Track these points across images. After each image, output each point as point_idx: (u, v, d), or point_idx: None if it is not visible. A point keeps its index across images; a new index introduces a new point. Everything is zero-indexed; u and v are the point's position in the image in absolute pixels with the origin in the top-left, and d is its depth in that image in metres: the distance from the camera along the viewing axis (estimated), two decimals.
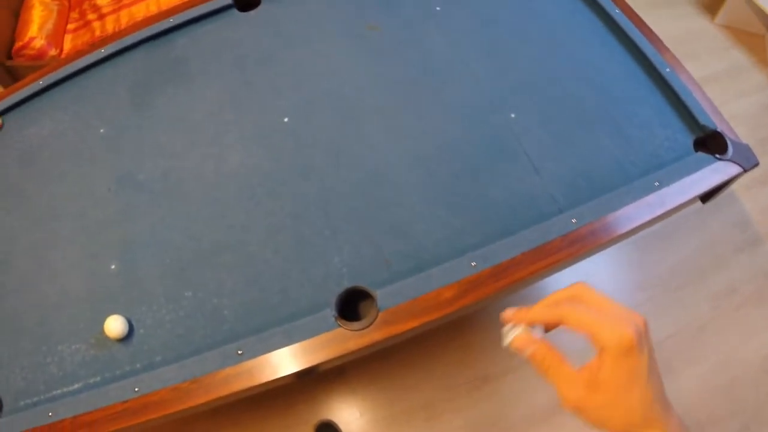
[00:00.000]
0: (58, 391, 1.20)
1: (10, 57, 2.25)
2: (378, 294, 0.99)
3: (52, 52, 2.25)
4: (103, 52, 1.63)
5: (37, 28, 2.24)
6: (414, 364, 1.79)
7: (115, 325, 1.16)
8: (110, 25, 2.30)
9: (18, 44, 2.21)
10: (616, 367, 0.41)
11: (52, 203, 1.45)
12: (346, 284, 1.05)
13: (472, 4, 1.51)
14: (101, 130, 1.51)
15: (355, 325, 0.97)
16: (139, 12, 2.32)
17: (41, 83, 1.67)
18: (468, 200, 1.13)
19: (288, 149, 1.34)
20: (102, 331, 1.18)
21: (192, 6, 1.63)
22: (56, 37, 2.29)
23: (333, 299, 1.02)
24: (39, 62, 2.22)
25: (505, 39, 1.41)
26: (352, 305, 1.03)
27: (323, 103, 1.39)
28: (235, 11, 1.64)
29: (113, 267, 1.29)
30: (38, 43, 2.21)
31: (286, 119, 1.38)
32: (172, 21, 1.61)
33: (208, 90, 1.49)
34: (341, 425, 1.75)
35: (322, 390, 1.81)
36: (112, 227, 1.35)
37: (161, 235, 1.30)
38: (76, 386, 1.19)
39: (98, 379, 1.18)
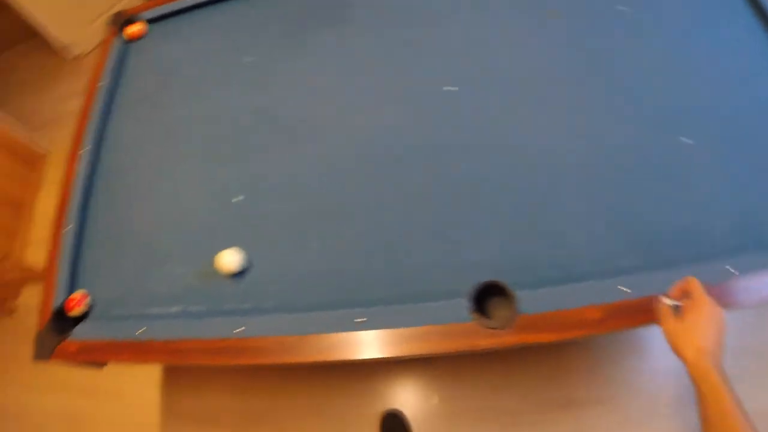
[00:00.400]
0: (155, 310, 1.18)
1: None
2: (521, 296, 0.89)
3: None
4: None
5: None
6: (505, 367, 1.70)
7: (230, 259, 1.12)
8: None
9: None
10: (699, 310, 0.74)
11: (184, 122, 1.44)
12: (487, 277, 0.93)
13: (662, 13, 1.30)
14: (247, 59, 1.48)
15: (491, 323, 0.88)
16: None
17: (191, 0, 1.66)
18: (628, 219, 1.00)
19: (446, 122, 1.23)
20: (215, 261, 1.14)
21: None
22: None
23: (469, 290, 0.92)
24: None
25: (691, 56, 1.20)
26: (483, 299, 0.93)
27: (489, 80, 1.26)
28: None
29: (239, 199, 1.26)
30: None
31: (446, 88, 1.27)
32: None
33: (367, 41, 1.41)
34: (415, 405, 1.69)
35: (405, 366, 1.75)
36: (243, 158, 1.32)
37: (296, 178, 1.25)
38: (174, 310, 1.17)
39: (200, 308, 1.15)
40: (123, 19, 1.69)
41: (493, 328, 0.88)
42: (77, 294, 1.21)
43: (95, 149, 1.45)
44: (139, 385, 1.97)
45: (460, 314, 0.92)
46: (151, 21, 1.70)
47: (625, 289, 0.87)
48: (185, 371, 1.94)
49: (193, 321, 1.11)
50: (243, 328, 1.05)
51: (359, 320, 0.98)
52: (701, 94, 1.13)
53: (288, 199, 1.23)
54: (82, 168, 1.41)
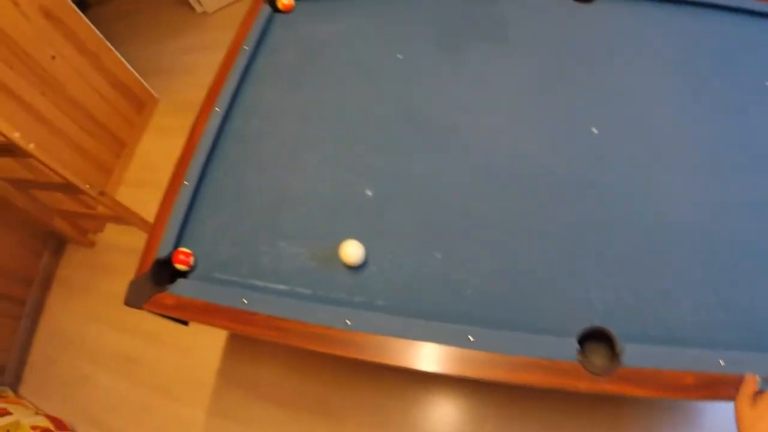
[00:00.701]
0: (261, 283, 1.16)
1: None
2: (628, 348, 0.91)
3: None
4: None
5: None
6: (560, 406, 1.63)
7: (355, 252, 1.10)
8: None
9: None
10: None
11: (325, 103, 1.43)
12: (597, 322, 0.96)
13: None
14: (398, 55, 1.45)
15: (597, 368, 0.90)
16: None
17: None
18: (738, 294, 1.00)
19: (588, 162, 1.21)
20: (332, 248, 1.12)
21: None
22: None
23: (578, 331, 0.95)
24: None
25: None
26: (588, 341, 0.95)
27: (638, 131, 1.24)
28: None
29: (368, 193, 1.23)
30: None
31: (595, 130, 1.25)
32: None
33: (523, 65, 1.38)
34: (467, 425, 1.66)
35: (465, 384, 1.71)
36: (381, 154, 1.30)
37: (430, 185, 1.22)
38: (282, 287, 1.15)
39: (309, 292, 1.13)
40: None
41: (596, 374, 0.90)
42: (185, 249, 1.20)
43: (228, 109, 1.44)
44: (202, 345, 1.98)
45: (566, 352, 0.93)
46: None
47: (722, 363, 0.88)
48: (248, 341, 1.93)
49: (302, 303, 1.09)
50: (348, 321, 1.03)
51: (471, 338, 0.96)
52: None
53: (419, 204, 1.20)
54: (212, 125, 1.40)
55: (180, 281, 1.18)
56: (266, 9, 1.67)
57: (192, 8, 3.26)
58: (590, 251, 1.08)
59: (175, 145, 2.55)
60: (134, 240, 2.41)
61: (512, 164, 1.22)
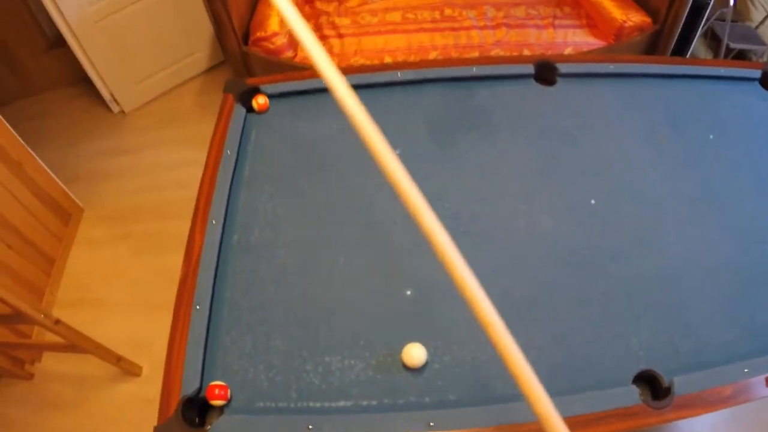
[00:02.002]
0: (319, 404, 1.10)
1: (246, 44, 2.31)
2: (675, 381, 1.07)
3: (289, 53, 2.31)
4: (400, 76, 1.65)
5: (278, 23, 2.30)
6: None
7: (420, 353, 1.09)
8: (350, 47, 2.37)
9: (259, 34, 2.27)
10: None
11: (330, 206, 1.41)
12: (642, 366, 1.12)
13: (740, 140, 1.58)
14: (397, 151, 1.48)
15: (659, 404, 1.05)
16: (378, 44, 2.39)
17: (321, 83, 1.66)
18: (739, 317, 1.22)
19: (596, 230, 1.35)
20: (386, 354, 1.11)
21: (493, 63, 1.67)
22: (293, 39, 2.35)
23: (631, 376, 1.11)
24: (274, 57, 2.27)
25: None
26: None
27: (625, 195, 1.42)
28: (533, 82, 1.66)
29: (408, 293, 1.23)
30: (280, 40, 2.27)
31: (593, 201, 1.39)
32: (475, 71, 1.63)
33: (514, 149, 1.50)
34: None
35: None
36: (408, 251, 1.30)
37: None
38: (344, 404, 1.09)
39: (375, 402, 1.08)
40: (245, 88, 1.67)
41: (660, 408, 1.05)
42: (220, 383, 1.11)
43: (224, 220, 1.38)
44: None
45: (632, 398, 1.06)
46: (271, 96, 1.69)
47: (746, 370, 1.09)
48: None
49: (372, 415, 1.05)
50: (432, 423, 1.01)
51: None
52: None
53: (455, 295, 1.20)
54: (212, 240, 1.33)
55: (223, 419, 1.07)
56: (240, 110, 1.64)
57: (107, 108, 3.09)
58: (620, 306, 1.22)
59: (106, 257, 2.38)
60: (79, 367, 2.15)
61: (533, 243, 1.32)
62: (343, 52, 2.35)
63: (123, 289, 2.42)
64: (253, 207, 1.43)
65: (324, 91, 1.64)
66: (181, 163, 2.83)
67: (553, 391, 0.99)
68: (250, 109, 1.67)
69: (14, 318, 1.67)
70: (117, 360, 2.05)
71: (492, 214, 1.37)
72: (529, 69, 1.66)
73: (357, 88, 1.58)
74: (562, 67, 1.66)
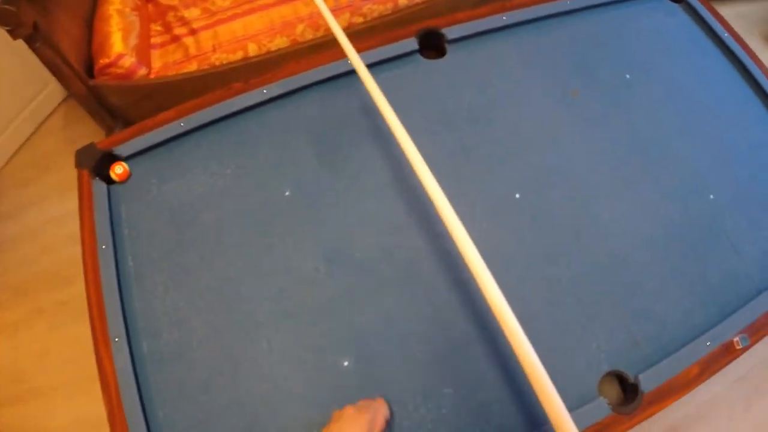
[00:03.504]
0: None
1: (91, 75, 1.95)
2: (641, 378, 1.03)
3: (142, 71, 1.97)
4: (266, 93, 1.41)
5: (121, 42, 1.95)
6: None
7: None
8: (207, 43, 2.04)
9: (103, 61, 1.92)
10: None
11: (235, 281, 1.23)
12: (606, 368, 1.07)
13: (657, 72, 1.46)
14: (286, 193, 1.29)
15: (629, 408, 1.01)
16: (237, 31, 2.07)
17: (182, 125, 1.42)
18: (692, 282, 1.16)
19: (526, 229, 1.22)
20: None
21: (370, 48, 1.43)
22: (143, 53, 2.01)
23: (596, 383, 1.06)
24: (127, 82, 1.94)
25: (695, 111, 1.39)
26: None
27: (549, 177, 1.27)
28: (420, 59, 1.45)
29: (346, 363, 1.10)
30: (127, 61, 1.93)
31: (517, 195, 1.25)
32: (350, 64, 1.40)
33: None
34: None
35: None
36: (333, 315, 1.15)
37: (400, 324, 1.13)
38: None
39: None
40: (98, 156, 1.41)
41: (629, 413, 1.01)
42: None
43: (126, 335, 1.19)
44: None
45: (602, 411, 1.01)
46: (128, 159, 1.44)
47: (708, 343, 1.05)
48: None
49: None
50: None
51: None
52: (716, 145, 1.34)
53: (402, 349, 1.11)
54: (122, 363, 1.15)
55: None
56: (100, 186, 1.39)
57: None
58: (571, 313, 1.13)
59: (27, 339, 2.15)
60: None
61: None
62: (201, 52, 2.03)
63: (55, 370, 2.25)
64: (150, 307, 1.24)
65: (186, 135, 1.42)
66: (69, 214, 2.53)
67: (521, 426, 1.01)
68: (110, 180, 1.41)
69: None
70: None
71: (410, 244, 1.21)
72: (413, 44, 1.44)
73: (218, 120, 1.38)
74: (450, 32, 1.44)
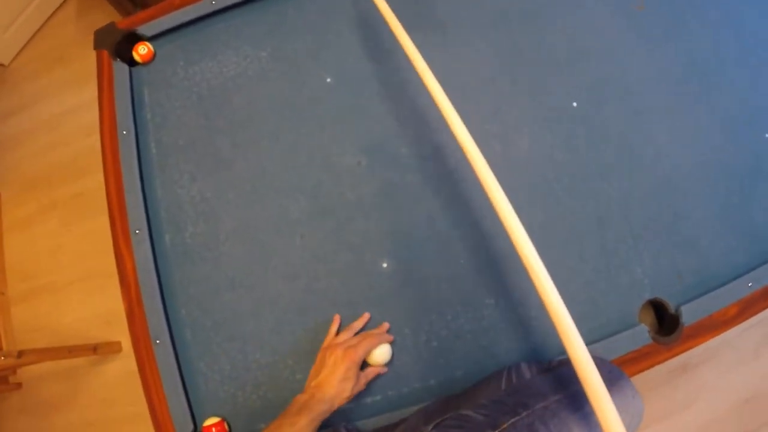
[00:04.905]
0: None
1: None
2: (683, 310, 0.97)
3: None
4: None
5: None
6: None
7: (383, 350, 0.97)
8: None
9: None
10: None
11: (268, 174, 1.15)
12: (647, 296, 1.00)
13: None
14: (327, 80, 1.18)
15: (669, 339, 0.97)
16: None
17: (213, 3, 1.29)
18: (737, 220, 1.07)
19: (580, 141, 1.11)
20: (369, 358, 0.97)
21: None
22: None
23: (637, 309, 1.01)
24: None
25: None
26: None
27: (605, 90, 1.15)
28: None
29: (384, 265, 1.04)
30: None
31: (574, 104, 1.13)
32: None
33: (469, 47, 1.18)
34: None
35: None
36: (373, 213, 1.08)
37: (443, 228, 1.05)
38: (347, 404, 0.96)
39: (390, 393, 0.99)
40: (119, 36, 1.29)
41: (669, 344, 0.97)
42: (214, 419, 0.99)
43: (147, 227, 1.13)
44: None
45: (642, 338, 0.96)
46: (152, 39, 1.32)
47: (750, 284, 0.98)
48: None
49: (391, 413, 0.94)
50: None
51: None
52: None
53: (446, 254, 1.04)
54: (142, 255, 1.10)
55: None
56: (121, 68, 1.28)
57: None
58: (619, 232, 1.05)
59: (40, 235, 2.13)
60: (63, 362, 2.04)
61: (513, 172, 1.10)
62: None
63: (69, 266, 2.24)
64: (175, 197, 1.17)
65: (216, 14, 1.29)
66: (81, 105, 2.45)
67: (558, 350, 0.96)
68: (132, 62, 1.31)
69: None
70: (94, 350, 1.95)
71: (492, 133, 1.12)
72: None
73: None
74: None
